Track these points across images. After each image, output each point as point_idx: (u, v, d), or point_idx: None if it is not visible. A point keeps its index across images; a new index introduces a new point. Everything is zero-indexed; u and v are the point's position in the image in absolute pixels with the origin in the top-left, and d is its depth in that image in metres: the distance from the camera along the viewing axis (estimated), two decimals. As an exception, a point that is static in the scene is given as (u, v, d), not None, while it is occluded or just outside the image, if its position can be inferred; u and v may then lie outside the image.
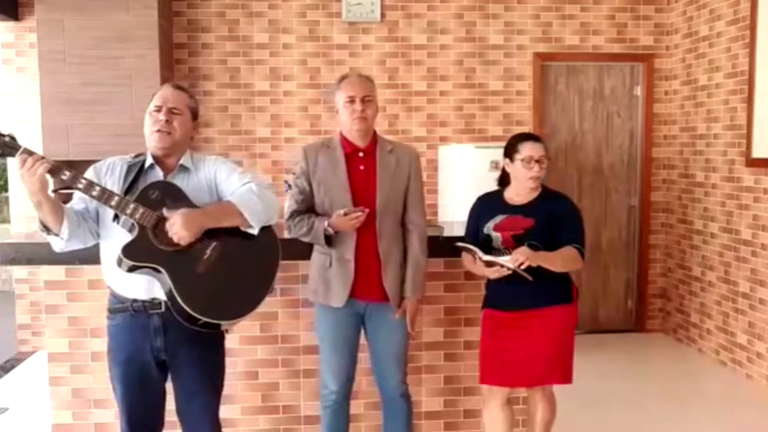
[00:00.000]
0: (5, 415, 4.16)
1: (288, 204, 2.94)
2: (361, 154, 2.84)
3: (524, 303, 2.88)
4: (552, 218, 2.87)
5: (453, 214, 4.63)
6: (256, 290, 2.47)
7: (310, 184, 2.85)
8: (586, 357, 3.93)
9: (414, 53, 5.57)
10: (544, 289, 2.85)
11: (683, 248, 5.60)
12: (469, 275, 3.20)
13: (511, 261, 2.73)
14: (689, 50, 5.49)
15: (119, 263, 2.29)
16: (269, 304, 3.19)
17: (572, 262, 2.86)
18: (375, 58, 5.53)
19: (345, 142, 2.85)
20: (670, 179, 5.80)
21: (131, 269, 2.29)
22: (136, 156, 2.48)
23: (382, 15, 5.51)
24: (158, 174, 2.43)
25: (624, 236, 5.93)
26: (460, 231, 3.10)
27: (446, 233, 3.24)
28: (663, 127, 5.83)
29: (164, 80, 4.92)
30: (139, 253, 2.27)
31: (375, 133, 2.90)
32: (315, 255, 2.89)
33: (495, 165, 4.39)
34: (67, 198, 2.45)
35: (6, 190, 7.63)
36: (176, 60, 5.41)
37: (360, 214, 2.70)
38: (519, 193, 2.96)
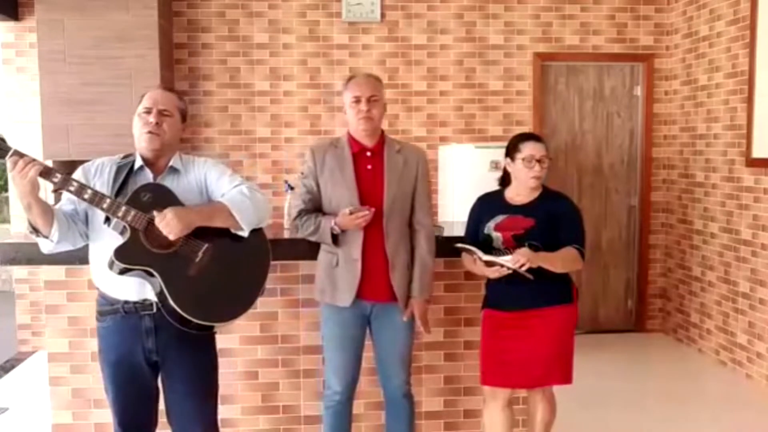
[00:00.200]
0: (5, 415, 4.16)
1: (295, 203, 2.94)
2: (368, 154, 2.84)
3: (524, 303, 2.88)
4: (552, 218, 2.87)
5: (453, 214, 4.62)
6: (248, 292, 2.48)
7: (317, 184, 2.85)
8: (586, 357, 3.93)
9: (414, 53, 5.57)
10: (544, 289, 2.85)
11: (683, 248, 5.60)
12: (469, 275, 3.20)
13: (511, 262, 2.73)
14: (689, 50, 5.49)
15: (111, 266, 2.29)
16: (269, 304, 3.21)
17: (572, 263, 2.86)
18: (375, 58, 5.53)
19: (352, 141, 2.85)
20: (670, 179, 5.80)
21: (123, 272, 2.29)
22: (125, 157, 2.47)
23: (382, 15, 5.51)
24: (148, 175, 2.43)
25: (624, 236, 5.93)
26: (460, 231, 3.10)
27: (446, 233, 3.24)
28: (663, 127, 5.83)
29: (164, 80, 4.92)
30: (132, 256, 2.27)
31: (383, 132, 2.91)
32: (322, 254, 2.89)
33: (495, 165, 4.39)
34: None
35: (6, 190, 7.64)
36: (176, 60, 5.41)
37: (366, 213, 2.70)
38: (520, 192, 2.96)
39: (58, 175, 2.23)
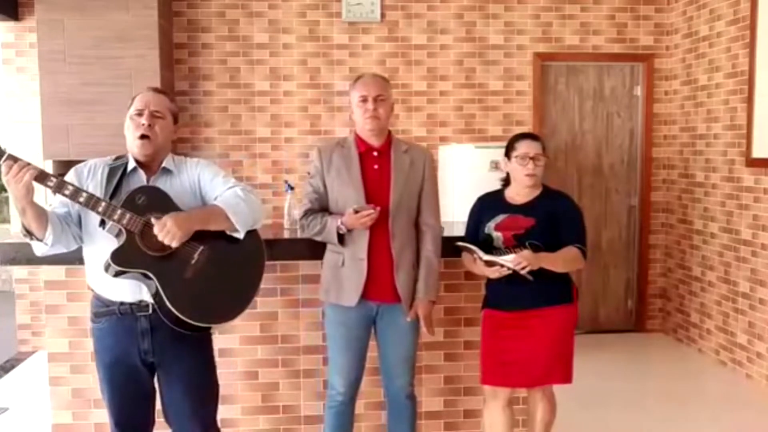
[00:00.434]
0: (5, 415, 4.16)
1: (302, 203, 2.93)
2: (375, 154, 2.84)
3: (524, 303, 2.88)
4: (553, 217, 2.87)
5: (453, 214, 4.62)
6: (244, 293, 2.49)
7: (324, 184, 2.85)
8: (586, 357, 3.94)
9: (414, 53, 5.57)
10: (544, 289, 2.85)
11: (683, 248, 5.60)
12: (469, 275, 3.20)
13: (513, 263, 2.73)
14: (689, 50, 5.49)
15: (107, 268, 2.28)
16: (269, 304, 3.21)
17: (574, 262, 2.86)
18: (375, 58, 5.53)
19: (359, 141, 2.85)
20: (670, 179, 5.80)
21: (118, 274, 2.29)
22: (117, 158, 2.46)
23: (382, 15, 5.51)
24: (141, 177, 2.42)
25: (624, 236, 5.93)
26: (460, 231, 3.10)
27: (446, 233, 3.23)
28: (663, 127, 5.83)
29: (164, 80, 4.93)
30: (128, 259, 2.27)
31: (390, 133, 2.90)
32: (328, 254, 2.89)
33: (495, 165, 4.38)
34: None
35: (6, 190, 7.64)
36: (176, 60, 5.41)
37: (372, 212, 2.69)
38: (519, 192, 2.96)
39: (53, 179, 2.22)
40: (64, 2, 4.83)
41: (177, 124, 2.55)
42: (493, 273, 2.80)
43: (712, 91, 5.19)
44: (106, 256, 2.27)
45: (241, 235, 2.43)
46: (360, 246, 2.77)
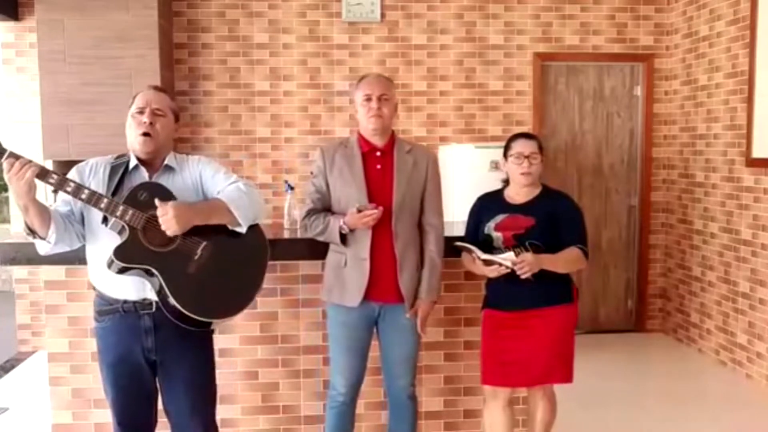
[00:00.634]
0: (5, 415, 4.16)
1: (305, 203, 2.93)
2: (378, 154, 2.84)
3: (524, 303, 2.88)
4: (552, 217, 2.87)
5: (453, 214, 4.61)
6: (247, 288, 2.50)
7: (327, 183, 2.85)
8: (586, 357, 3.93)
9: (414, 53, 5.57)
10: (544, 289, 2.85)
11: (683, 248, 5.60)
12: (469, 275, 3.19)
13: (517, 269, 2.73)
14: (689, 50, 5.49)
15: (110, 265, 2.29)
16: (269, 304, 3.21)
17: (576, 263, 2.87)
18: (375, 58, 5.53)
19: (362, 141, 2.85)
20: (670, 179, 5.80)
21: (122, 271, 2.29)
22: (118, 157, 2.47)
23: (382, 15, 5.51)
24: (143, 174, 2.43)
25: (624, 236, 5.93)
26: (460, 231, 3.10)
27: (446, 233, 3.23)
28: (663, 127, 5.83)
29: (164, 80, 4.92)
30: (131, 255, 2.28)
31: (393, 133, 2.91)
32: (330, 254, 2.89)
33: (495, 165, 4.39)
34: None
35: (6, 190, 7.64)
36: (176, 60, 5.41)
37: (374, 211, 2.69)
38: (518, 191, 2.97)
39: (55, 176, 2.23)
40: (64, 2, 4.83)
41: (178, 122, 2.56)
42: (492, 272, 2.80)
43: (712, 91, 5.19)
44: (110, 253, 2.27)
45: (243, 230, 2.43)
46: (362, 246, 2.77)
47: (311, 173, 2.95)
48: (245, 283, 2.49)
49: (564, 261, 2.84)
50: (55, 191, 2.31)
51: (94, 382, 3.12)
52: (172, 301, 2.31)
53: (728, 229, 4.99)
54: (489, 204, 3.00)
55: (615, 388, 4.58)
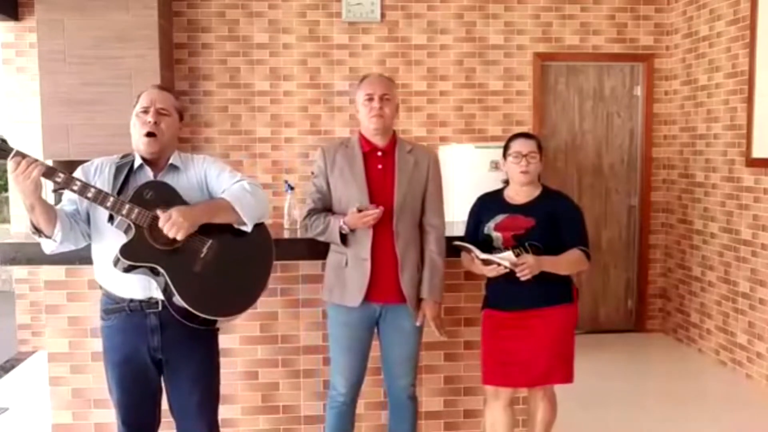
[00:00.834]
0: (5, 415, 4.16)
1: (305, 203, 2.94)
2: (379, 153, 2.84)
3: (524, 303, 2.88)
4: (552, 218, 2.87)
5: (453, 214, 4.61)
6: (253, 286, 2.50)
7: (327, 183, 2.85)
8: (586, 357, 3.93)
9: (414, 53, 5.57)
10: (544, 289, 2.85)
11: (683, 248, 5.60)
12: (469, 275, 3.19)
13: (518, 270, 2.72)
14: (689, 50, 5.49)
15: (116, 263, 2.29)
16: (269, 304, 3.21)
17: (577, 265, 2.87)
18: (375, 58, 5.53)
19: (363, 141, 2.85)
20: (670, 179, 5.80)
21: (128, 269, 2.29)
22: (123, 156, 2.48)
23: (382, 15, 5.51)
24: (148, 174, 2.44)
25: (624, 236, 5.93)
26: (460, 231, 3.09)
27: (446, 233, 3.24)
28: (663, 127, 5.83)
29: (164, 80, 4.92)
30: (137, 253, 2.28)
31: (394, 133, 2.91)
32: (331, 255, 2.88)
33: (495, 165, 4.39)
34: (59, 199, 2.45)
35: (6, 190, 7.64)
36: (176, 60, 5.41)
37: (375, 211, 2.68)
38: (518, 191, 2.97)
39: (61, 175, 2.23)
40: (64, 2, 4.83)
41: (182, 121, 2.56)
42: (491, 271, 2.79)
43: (712, 91, 5.19)
44: (116, 252, 2.27)
45: (248, 228, 2.44)
46: (363, 246, 2.77)
47: (312, 173, 2.95)
48: (251, 281, 2.49)
49: (566, 263, 2.84)
50: (55, 191, 2.31)
51: (94, 382, 3.13)
52: (177, 299, 2.32)
53: (728, 229, 4.99)
54: (489, 204, 3.00)
55: (615, 388, 4.58)
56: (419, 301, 2.84)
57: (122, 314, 2.42)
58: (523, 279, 2.73)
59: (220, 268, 2.38)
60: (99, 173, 2.43)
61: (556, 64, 5.73)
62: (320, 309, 3.18)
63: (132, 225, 2.28)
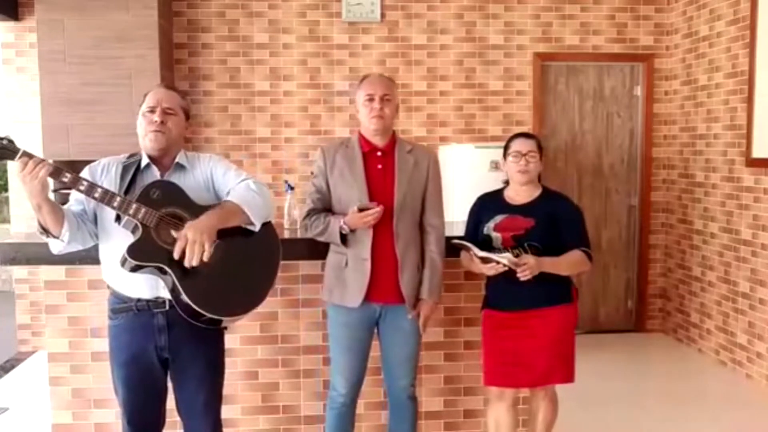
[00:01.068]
0: (5, 415, 4.16)
1: (305, 203, 2.93)
2: (379, 153, 2.84)
3: (524, 303, 2.88)
4: (552, 219, 2.87)
5: (453, 214, 4.61)
6: (260, 285, 2.50)
7: (327, 183, 2.85)
8: (586, 357, 3.93)
9: (414, 53, 5.57)
10: (544, 289, 2.85)
11: (683, 248, 5.60)
12: (469, 275, 3.19)
13: (518, 271, 2.72)
14: (689, 50, 5.49)
15: (123, 263, 2.29)
16: (269, 304, 3.19)
17: (579, 266, 2.87)
18: (375, 58, 5.53)
19: (363, 141, 2.85)
20: (670, 179, 5.80)
21: (135, 269, 2.29)
22: (130, 156, 2.49)
23: (382, 15, 5.51)
24: (155, 173, 2.44)
25: (624, 236, 5.93)
26: (459, 231, 3.09)
27: (446, 233, 3.24)
28: (663, 127, 5.83)
29: (164, 80, 4.92)
30: (144, 253, 2.28)
31: (394, 133, 2.91)
32: (331, 255, 2.88)
33: (495, 165, 4.39)
34: (65, 198, 2.45)
35: (6, 190, 7.64)
36: (176, 60, 5.41)
37: (376, 210, 2.68)
38: (518, 191, 2.96)
39: (68, 175, 2.24)
40: (64, 2, 4.83)
41: (189, 120, 2.56)
42: (490, 270, 2.79)
43: (712, 91, 5.19)
44: (123, 251, 2.27)
45: (256, 228, 2.44)
46: (363, 246, 2.77)
47: (312, 173, 2.95)
48: (258, 280, 2.49)
49: (566, 264, 2.84)
50: (55, 191, 2.31)
51: (94, 382, 3.13)
52: (185, 298, 2.31)
53: (728, 229, 4.99)
54: (489, 204, 3.00)
55: (615, 388, 4.58)
56: (418, 301, 2.84)
57: (129, 314, 2.43)
58: (523, 279, 2.73)
59: (227, 267, 2.38)
60: (106, 173, 2.44)
61: (556, 64, 5.73)
62: (320, 309, 3.18)
63: (139, 225, 2.28)
